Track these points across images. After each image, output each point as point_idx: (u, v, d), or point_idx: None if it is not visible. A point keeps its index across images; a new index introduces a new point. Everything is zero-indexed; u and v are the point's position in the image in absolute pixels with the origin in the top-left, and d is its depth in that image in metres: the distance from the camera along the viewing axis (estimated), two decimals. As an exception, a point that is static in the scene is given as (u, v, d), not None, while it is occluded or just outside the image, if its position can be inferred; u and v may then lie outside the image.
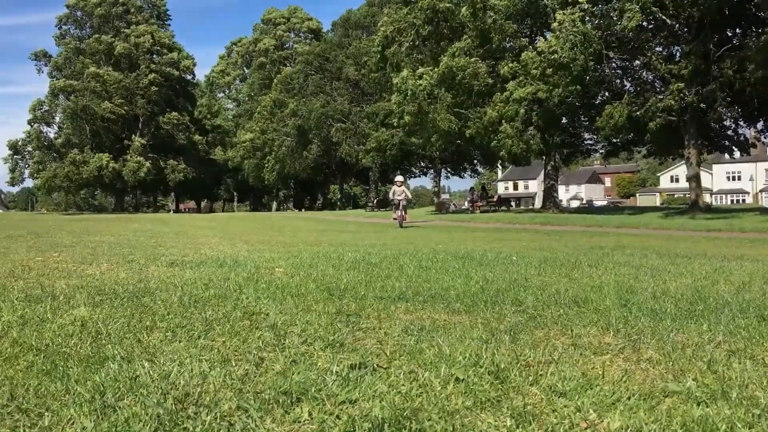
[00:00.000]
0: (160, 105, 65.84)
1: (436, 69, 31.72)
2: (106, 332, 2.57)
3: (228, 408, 1.76)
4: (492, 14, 29.85)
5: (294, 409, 1.76)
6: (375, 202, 55.52)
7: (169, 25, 75.21)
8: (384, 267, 5.21)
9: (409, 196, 21.55)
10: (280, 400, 1.81)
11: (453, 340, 2.49)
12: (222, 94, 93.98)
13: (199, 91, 79.43)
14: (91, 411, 1.73)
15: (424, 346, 2.38)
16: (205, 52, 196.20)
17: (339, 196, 77.79)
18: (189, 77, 73.71)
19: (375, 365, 2.14)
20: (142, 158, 61.76)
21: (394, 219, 21.04)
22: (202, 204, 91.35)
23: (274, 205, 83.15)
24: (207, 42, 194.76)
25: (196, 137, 70.36)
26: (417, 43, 34.31)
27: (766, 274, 4.87)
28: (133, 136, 63.38)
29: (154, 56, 66.84)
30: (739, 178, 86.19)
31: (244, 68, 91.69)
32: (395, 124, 39.26)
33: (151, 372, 2.04)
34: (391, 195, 20.92)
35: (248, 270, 4.88)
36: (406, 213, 20.66)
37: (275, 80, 70.38)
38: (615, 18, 25.42)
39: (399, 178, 21.42)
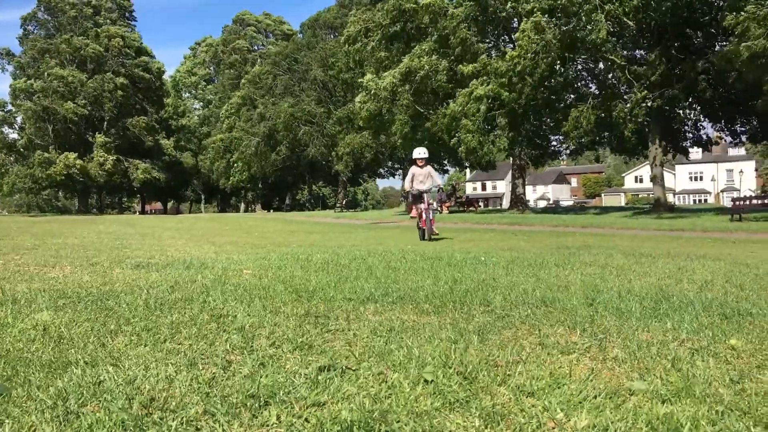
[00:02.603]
0: (126, 107, 64.86)
1: (398, 68, 32.04)
2: (69, 337, 2.52)
3: (194, 412, 1.73)
4: (450, 21, 30.28)
5: (262, 412, 1.74)
6: (344, 203, 55.53)
7: (135, 25, 74.20)
8: (353, 268, 5.20)
9: (439, 182, 12.74)
10: (248, 404, 1.79)
11: (422, 341, 2.49)
12: (188, 94, 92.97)
13: (165, 91, 78.47)
14: (53, 417, 1.69)
15: (393, 347, 2.38)
16: (166, 51, 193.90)
17: (308, 197, 77.61)
18: (156, 81, 72.68)
19: (344, 367, 2.13)
20: (105, 153, 60.73)
21: (413, 217, 12.99)
22: (169, 205, 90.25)
23: (242, 206, 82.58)
24: (168, 41, 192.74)
25: (164, 141, 69.46)
26: (384, 42, 34.52)
27: (727, 272, 4.97)
28: (97, 134, 62.27)
29: (123, 59, 65.83)
30: (701, 179, 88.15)
31: (211, 68, 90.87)
32: (360, 123, 39.60)
33: (115, 377, 2.00)
34: (408, 183, 12.39)
35: (215, 272, 4.83)
36: (433, 215, 12.16)
37: (243, 79, 69.89)
38: (584, 30, 25.78)
39: (421, 152, 12.49)
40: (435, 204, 12.24)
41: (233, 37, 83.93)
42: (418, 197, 12.01)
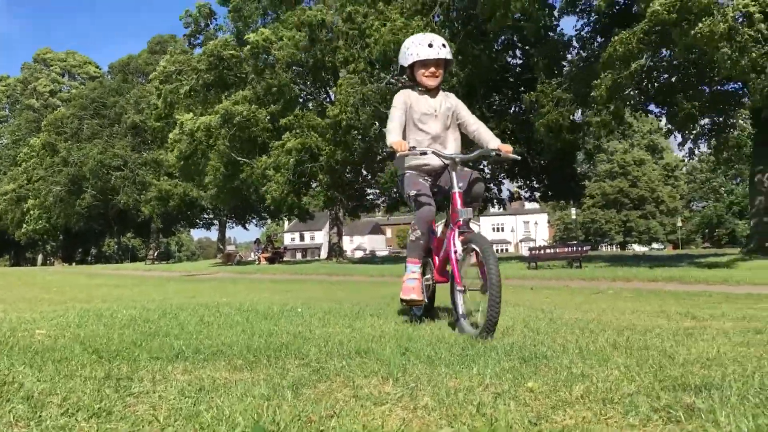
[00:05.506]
0: None
1: (216, 111, 31.87)
2: None
3: (-37, 500, 1.51)
4: (273, 73, 30.75)
5: (47, 492, 1.56)
6: (155, 254, 52.93)
7: None
8: (162, 324, 4.93)
9: (495, 143, 4.35)
10: (31, 484, 1.59)
11: (233, 399, 2.39)
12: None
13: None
14: None
15: (202, 408, 2.26)
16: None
17: (116, 249, 73.02)
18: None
19: (146, 433, 1.98)
20: None
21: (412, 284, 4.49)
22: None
23: (40, 258, 75.76)
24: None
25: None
26: (199, 87, 34.06)
27: (525, 317, 5.33)
28: None
29: None
30: (503, 230, 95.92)
31: (6, 109, 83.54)
32: (170, 161, 38.58)
33: None
34: (396, 134, 4.29)
35: (2, 333, 4.34)
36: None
37: (44, 122, 64.82)
38: (393, 83, 27.30)
39: (435, 44, 4.27)
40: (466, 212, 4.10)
41: (35, 76, 78.03)
42: (434, 179, 4.51)
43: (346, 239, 66.98)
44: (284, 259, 40.88)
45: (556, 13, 27.89)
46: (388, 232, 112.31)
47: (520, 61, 32.37)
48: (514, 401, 2.37)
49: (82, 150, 56.29)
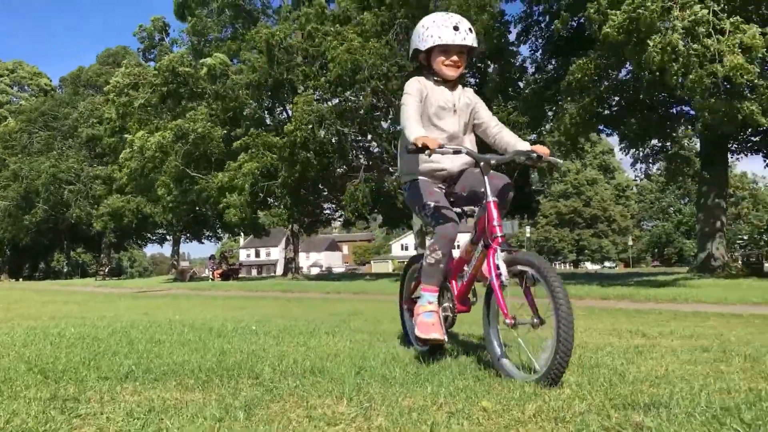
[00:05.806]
0: None
1: (170, 127, 31.53)
2: None
3: None
4: (234, 89, 30.63)
5: None
6: (107, 270, 51.78)
7: None
8: (112, 342, 4.81)
9: (526, 146, 3.57)
10: None
11: (184, 420, 2.34)
12: None
13: None
14: None
15: (151, 430, 2.21)
16: None
17: (65, 264, 71.18)
18: None
19: (92, 457, 1.92)
20: None
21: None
22: None
23: (-15, 274, 73.31)
24: None
25: None
26: (155, 101, 33.66)
27: (479, 336, 5.36)
28: None
29: None
30: (458, 247, 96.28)
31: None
32: (123, 182, 38.06)
33: None
34: (415, 127, 3.39)
35: (-58, 352, 4.18)
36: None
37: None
38: (353, 101, 27.48)
39: (459, 27, 3.58)
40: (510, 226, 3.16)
41: (-19, 88, 75.89)
42: (448, 186, 3.83)
43: (302, 255, 66.54)
44: (239, 275, 40.37)
45: (511, 28, 28.49)
46: (345, 248, 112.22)
47: (476, 80, 32.85)
48: (467, 420, 2.37)
49: (33, 164, 54.89)
